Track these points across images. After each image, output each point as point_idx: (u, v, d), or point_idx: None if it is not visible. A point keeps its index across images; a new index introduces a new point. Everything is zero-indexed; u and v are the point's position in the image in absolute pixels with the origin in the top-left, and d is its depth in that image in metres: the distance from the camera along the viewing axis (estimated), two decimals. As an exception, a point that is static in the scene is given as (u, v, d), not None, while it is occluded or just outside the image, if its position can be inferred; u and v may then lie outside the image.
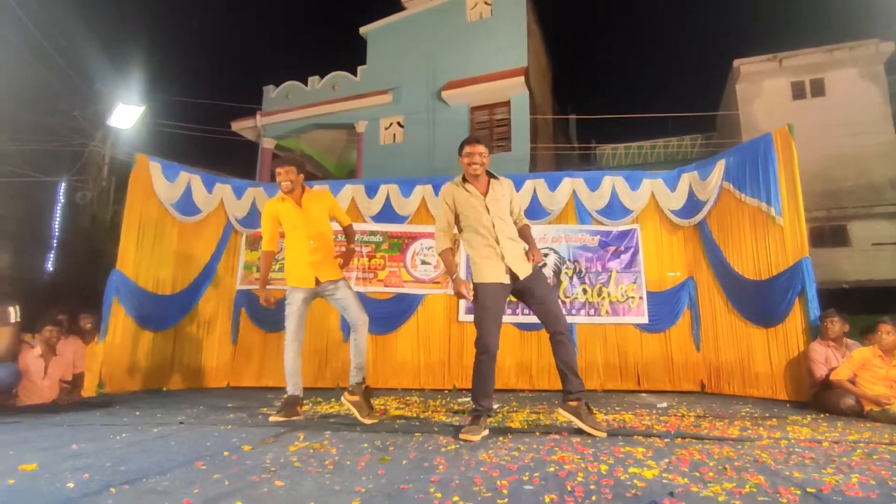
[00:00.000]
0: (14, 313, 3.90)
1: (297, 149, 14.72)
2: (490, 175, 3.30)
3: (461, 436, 2.83)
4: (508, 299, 3.28)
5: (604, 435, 2.85)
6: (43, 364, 4.46)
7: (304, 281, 3.71)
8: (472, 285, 3.18)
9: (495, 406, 4.32)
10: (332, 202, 4.01)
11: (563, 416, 3.03)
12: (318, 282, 3.72)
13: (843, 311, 4.53)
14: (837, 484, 1.92)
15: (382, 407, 4.26)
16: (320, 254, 3.74)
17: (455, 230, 3.32)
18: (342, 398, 3.63)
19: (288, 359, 3.72)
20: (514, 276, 3.14)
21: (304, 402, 3.89)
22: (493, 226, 3.16)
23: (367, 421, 3.42)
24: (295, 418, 3.58)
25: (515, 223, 3.33)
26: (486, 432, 2.95)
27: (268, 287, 3.87)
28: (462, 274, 6.14)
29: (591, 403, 4.14)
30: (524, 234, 3.33)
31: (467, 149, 3.21)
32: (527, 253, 3.23)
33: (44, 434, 2.98)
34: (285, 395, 3.74)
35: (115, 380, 5.30)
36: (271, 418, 3.55)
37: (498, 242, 3.14)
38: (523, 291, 3.18)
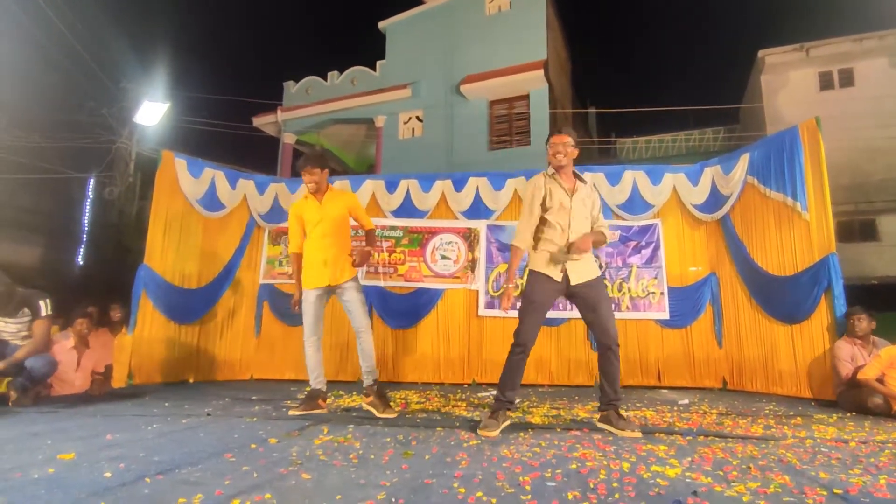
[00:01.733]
0: (45, 306, 4.03)
1: (316, 144, 14.84)
2: (577, 176, 3.24)
3: (480, 432, 2.87)
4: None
5: (638, 435, 2.84)
6: (76, 356, 4.60)
7: (317, 282, 3.75)
8: (515, 298, 3.16)
9: (516, 401, 4.33)
10: (354, 203, 4.01)
11: (600, 425, 3.06)
12: (331, 283, 3.75)
13: (870, 309, 4.44)
14: (865, 485, 1.90)
15: (403, 401, 4.31)
16: (333, 251, 3.76)
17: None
18: (361, 403, 3.70)
19: (308, 354, 3.78)
20: (567, 278, 3.10)
21: (328, 395, 3.95)
22: (570, 226, 3.12)
23: (386, 416, 3.48)
24: (317, 411, 3.64)
25: (592, 225, 3.26)
26: (506, 423, 2.97)
27: (289, 282, 3.93)
28: (483, 264, 6.16)
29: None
30: (594, 232, 3.22)
31: (552, 140, 3.19)
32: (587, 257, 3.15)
33: (79, 424, 3.09)
34: (308, 389, 3.80)
35: (143, 371, 5.44)
36: (291, 411, 3.62)
37: (568, 242, 3.09)
38: (576, 295, 3.14)
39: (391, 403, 3.73)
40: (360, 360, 3.75)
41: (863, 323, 4.33)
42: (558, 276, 3.09)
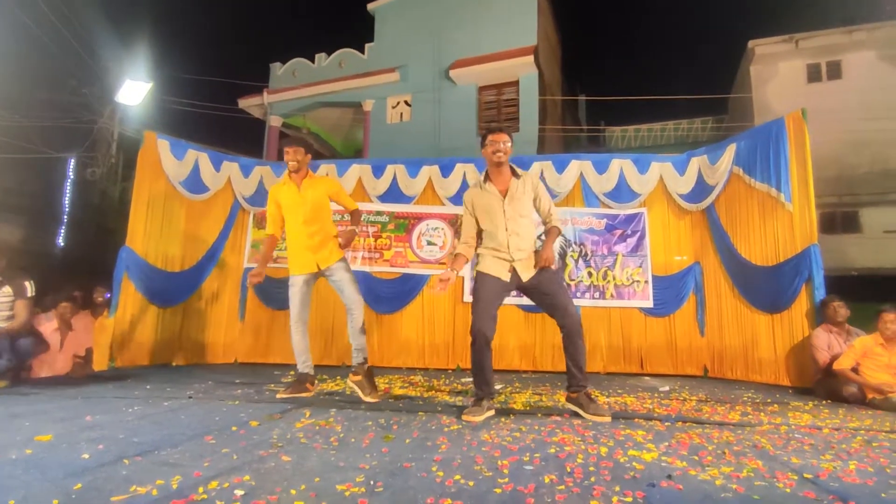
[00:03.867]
0: (30, 287, 4.01)
1: (303, 127, 14.66)
2: (513, 172, 3.25)
3: (464, 416, 2.89)
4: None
5: (608, 419, 2.88)
6: (59, 338, 4.56)
7: (304, 268, 3.77)
8: (448, 283, 3.14)
9: (498, 387, 4.37)
10: (335, 188, 3.99)
11: (568, 406, 3.11)
12: (318, 267, 3.76)
13: (851, 299, 4.52)
14: (835, 470, 1.95)
15: (387, 385, 4.33)
16: (318, 238, 3.77)
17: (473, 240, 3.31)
18: (346, 380, 3.69)
19: (294, 339, 3.79)
20: (517, 277, 3.14)
21: (315, 379, 3.94)
22: (507, 228, 3.15)
23: (371, 399, 3.48)
24: (304, 395, 3.65)
25: (544, 222, 3.32)
26: (490, 413, 2.99)
27: (274, 266, 3.91)
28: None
29: (594, 386, 4.19)
30: (550, 234, 3.25)
31: (490, 137, 3.18)
32: (536, 252, 3.17)
33: (60, 406, 3.06)
34: (292, 373, 3.80)
35: (125, 354, 5.40)
36: (279, 394, 3.63)
37: (508, 246, 3.14)
38: (529, 289, 3.19)
39: (377, 388, 3.73)
40: (349, 337, 3.75)
41: (841, 310, 4.42)
42: (506, 277, 3.14)
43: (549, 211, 3.30)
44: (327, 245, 3.79)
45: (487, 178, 3.26)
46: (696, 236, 6.05)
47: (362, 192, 6.50)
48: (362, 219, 6.39)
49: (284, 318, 6.23)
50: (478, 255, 3.27)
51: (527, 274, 3.14)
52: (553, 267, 3.15)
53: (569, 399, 3.12)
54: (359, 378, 3.59)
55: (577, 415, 3.02)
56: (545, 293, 3.15)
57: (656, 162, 6.21)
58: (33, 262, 9.53)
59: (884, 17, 13.37)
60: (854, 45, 13.64)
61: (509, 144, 3.19)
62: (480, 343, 3.06)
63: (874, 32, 13.50)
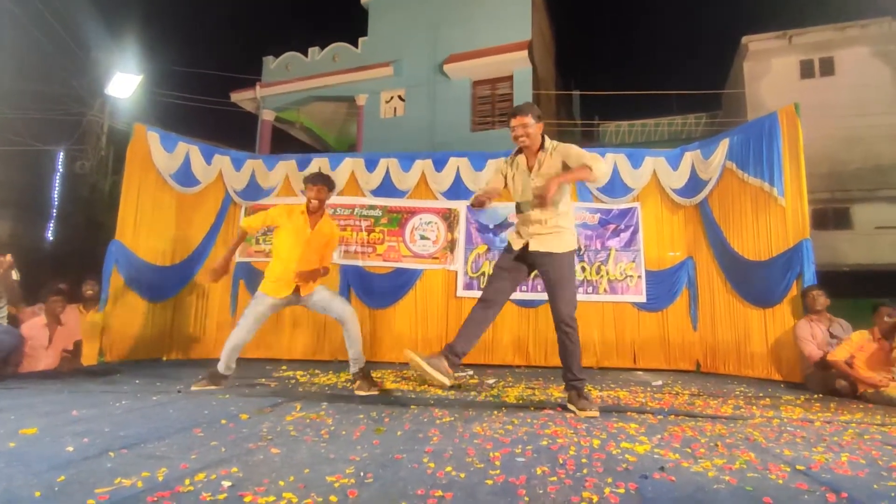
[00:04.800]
0: (14, 272, 4.00)
1: (296, 121, 14.57)
2: (542, 145, 3.15)
3: (405, 351, 3.21)
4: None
5: (595, 414, 2.85)
6: (48, 333, 4.50)
7: (281, 291, 3.67)
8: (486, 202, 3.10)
9: (491, 380, 4.37)
10: (335, 237, 3.97)
11: (569, 406, 3.06)
12: (297, 292, 3.68)
13: (839, 294, 4.57)
14: (827, 462, 1.95)
15: (379, 380, 4.31)
16: (309, 269, 3.73)
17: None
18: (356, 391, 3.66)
19: (227, 344, 3.67)
20: (526, 246, 3.16)
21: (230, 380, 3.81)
22: (531, 201, 3.14)
23: (370, 392, 3.57)
24: (214, 388, 3.59)
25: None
26: (432, 372, 3.12)
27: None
28: (462, 245, 6.16)
29: (587, 381, 4.19)
30: (573, 169, 3.04)
31: (511, 122, 3.15)
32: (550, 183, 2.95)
33: (46, 400, 3.02)
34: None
35: (115, 349, 5.34)
36: (194, 386, 3.58)
37: (530, 220, 3.16)
38: (537, 269, 3.20)
39: (375, 382, 3.77)
40: (347, 349, 3.75)
41: (820, 298, 4.48)
42: (518, 245, 3.19)
43: (579, 159, 3.04)
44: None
45: (519, 151, 3.23)
46: (690, 231, 6.05)
47: (355, 186, 6.46)
48: (354, 213, 6.37)
49: (276, 313, 6.20)
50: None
51: (537, 245, 3.11)
52: (546, 193, 2.93)
53: (565, 399, 3.11)
54: (357, 384, 3.68)
55: (568, 409, 3.01)
56: (549, 285, 3.12)
57: (650, 157, 6.20)
58: (22, 256, 9.43)
59: (876, 14, 13.44)
60: (847, 41, 13.72)
61: (529, 126, 3.08)
62: (479, 303, 3.21)
63: (867, 29, 13.58)
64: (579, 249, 3.26)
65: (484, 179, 6.28)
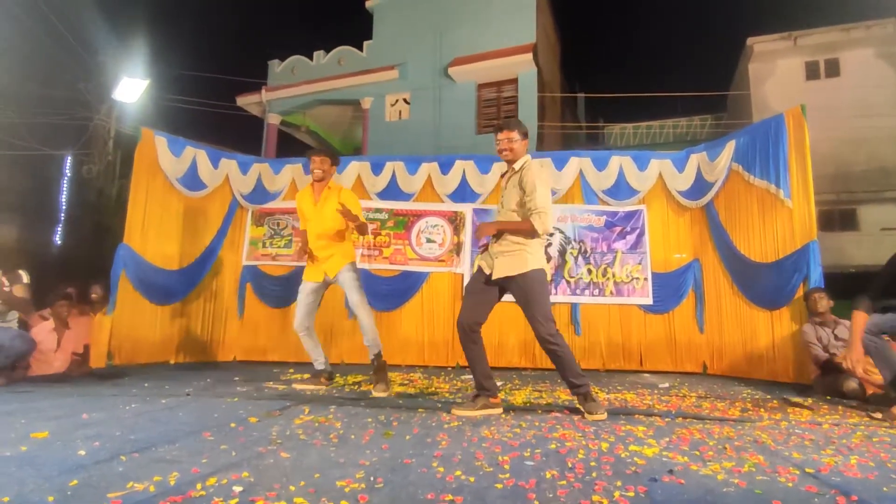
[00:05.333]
0: (25, 275, 4.09)
1: (302, 125, 14.62)
2: (517, 163, 3.14)
3: (454, 410, 2.93)
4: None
5: (603, 417, 2.85)
6: (56, 337, 4.53)
7: (313, 276, 3.92)
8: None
9: (498, 384, 4.36)
10: (348, 198, 3.91)
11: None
12: (326, 276, 3.91)
13: (845, 295, 4.52)
14: (836, 465, 1.94)
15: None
16: (327, 250, 3.91)
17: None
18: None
19: (303, 343, 4.03)
20: (490, 272, 3.09)
21: (333, 376, 4.18)
22: (497, 220, 3.20)
23: (379, 394, 3.62)
24: (318, 388, 3.86)
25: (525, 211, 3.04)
26: (485, 411, 2.94)
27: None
28: (468, 248, 6.17)
29: (594, 383, 4.19)
30: (502, 225, 3.07)
31: (496, 136, 3.17)
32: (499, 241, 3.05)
33: (56, 403, 3.04)
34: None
35: (123, 352, 5.37)
36: (296, 385, 3.92)
37: (495, 236, 3.13)
38: (509, 291, 3.11)
39: (387, 384, 3.80)
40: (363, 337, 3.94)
41: (823, 301, 4.44)
42: (487, 269, 3.11)
43: (531, 201, 2.96)
44: (336, 255, 3.91)
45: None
46: (696, 233, 6.04)
47: (361, 190, 6.47)
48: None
49: (282, 316, 6.25)
50: None
51: (497, 272, 3.01)
52: (479, 240, 3.07)
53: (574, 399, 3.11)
54: (377, 382, 3.76)
55: (577, 411, 3.01)
56: (521, 304, 3.03)
57: (655, 159, 6.20)
58: (30, 261, 9.50)
59: (881, 15, 13.38)
60: (852, 42, 13.66)
61: (514, 140, 3.11)
62: (461, 334, 3.08)
63: (872, 30, 13.52)
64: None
65: (489, 184, 6.30)
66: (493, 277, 3.03)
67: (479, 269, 3.18)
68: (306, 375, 4.36)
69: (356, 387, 4.12)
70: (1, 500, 1.45)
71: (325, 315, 6.16)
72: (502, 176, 3.29)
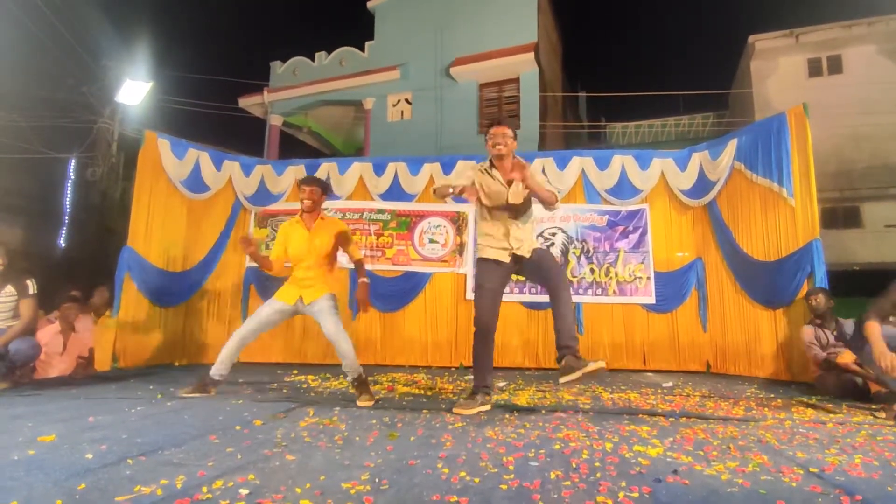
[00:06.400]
0: (32, 285, 3.97)
1: (304, 126, 14.64)
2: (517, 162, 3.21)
3: (455, 409, 2.94)
4: (515, 279, 3.30)
5: (602, 364, 2.87)
6: (62, 340, 4.56)
7: (286, 297, 3.64)
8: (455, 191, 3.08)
9: (501, 384, 4.37)
10: (344, 236, 3.78)
11: (564, 380, 2.89)
12: (301, 301, 3.62)
13: (849, 293, 4.52)
14: (840, 464, 1.94)
15: (390, 384, 4.33)
16: (311, 278, 3.64)
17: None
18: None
19: (227, 344, 3.69)
20: (516, 258, 3.15)
21: (219, 385, 3.77)
22: (507, 216, 3.18)
23: (363, 404, 3.40)
24: (203, 395, 3.57)
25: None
26: (485, 407, 3.02)
27: None
28: (471, 248, 6.18)
29: (597, 382, 4.19)
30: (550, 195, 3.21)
31: (491, 131, 3.20)
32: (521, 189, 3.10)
33: (62, 406, 3.06)
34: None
35: (128, 354, 5.39)
36: (181, 392, 3.57)
37: (509, 235, 3.15)
38: (528, 269, 3.20)
39: (370, 393, 3.56)
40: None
41: (820, 301, 4.42)
42: (507, 258, 3.15)
43: (548, 187, 3.26)
44: (318, 284, 3.65)
45: (493, 165, 3.25)
46: (698, 232, 6.04)
47: (364, 191, 6.49)
48: (363, 217, 6.39)
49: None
50: (477, 246, 3.31)
51: (526, 250, 3.16)
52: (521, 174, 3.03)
53: (560, 372, 2.93)
54: (360, 395, 3.47)
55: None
56: (544, 266, 3.13)
57: (657, 158, 6.20)
58: (35, 264, 9.55)
59: (883, 12, 13.33)
60: (854, 39, 13.62)
61: (510, 138, 3.19)
62: (480, 334, 3.09)
63: (874, 27, 13.47)
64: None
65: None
66: (527, 257, 3.13)
67: (496, 264, 3.14)
68: (290, 377, 4.10)
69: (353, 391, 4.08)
70: (10, 503, 1.47)
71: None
72: (484, 173, 3.23)
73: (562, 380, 2.91)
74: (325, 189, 3.80)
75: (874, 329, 3.10)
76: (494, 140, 3.18)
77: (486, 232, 3.23)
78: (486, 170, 3.26)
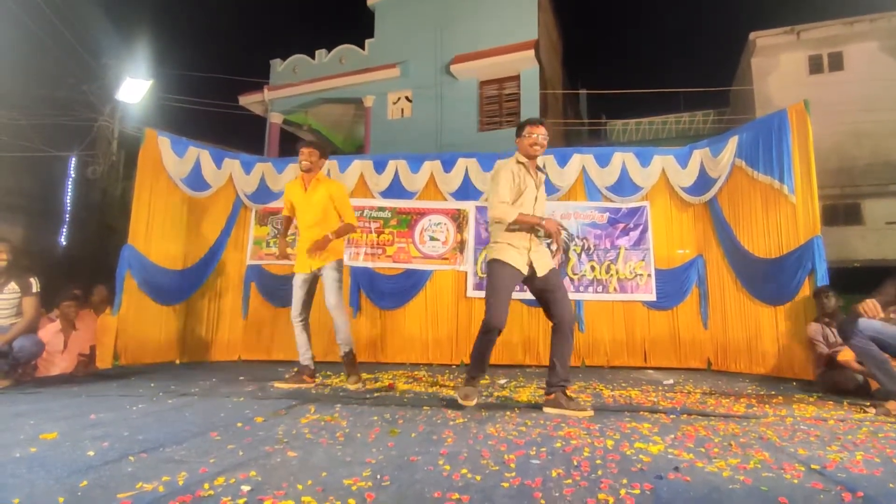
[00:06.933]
0: (35, 283, 4.00)
1: (304, 124, 14.63)
2: (537, 166, 3.23)
3: (462, 401, 3.00)
4: None
5: (590, 413, 2.85)
6: (63, 338, 4.56)
7: (302, 268, 3.99)
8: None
9: (502, 381, 4.39)
10: (337, 192, 4.06)
11: (549, 412, 2.94)
12: (312, 269, 3.96)
13: (849, 290, 4.52)
14: (842, 461, 1.94)
15: (391, 380, 4.33)
16: (316, 237, 3.92)
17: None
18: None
19: (296, 334, 4.04)
20: (532, 271, 3.10)
21: (317, 374, 4.13)
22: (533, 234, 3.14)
23: (351, 387, 3.74)
24: (303, 386, 3.84)
25: None
26: (477, 394, 3.14)
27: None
28: (471, 245, 6.17)
29: (598, 379, 4.19)
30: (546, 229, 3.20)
31: (529, 128, 3.12)
32: (550, 247, 3.16)
33: (64, 404, 3.06)
34: (295, 369, 4.02)
35: (129, 352, 5.39)
36: (277, 384, 3.84)
37: (530, 248, 3.10)
38: (537, 280, 3.13)
39: (359, 377, 3.95)
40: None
41: (831, 300, 4.43)
42: (525, 269, 3.09)
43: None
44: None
45: (519, 163, 3.18)
46: (699, 229, 6.03)
47: (364, 188, 6.49)
48: (364, 215, 6.38)
49: (287, 314, 6.18)
50: (494, 244, 3.16)
51: (542, 269, 3.10)
52: (538, 249, 3.16)
53: (548, 404, 2.98)
54: (349, 375, 3.90)
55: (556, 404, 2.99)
56: (552, 288, 3.10)
57: (658, 155, 6.19)
58: (35, 262, 9.55)
59: (884, 8, 13.29)
60: (855, 36, 13.59)
61: (547, 139, 3.15)
62: (492, 335, 3.08)
63: (875, 23, 13.44)
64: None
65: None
66: (540, 275, 3.09)
67: (512, 268, 3.06)
68: (289, 374, 4.23)
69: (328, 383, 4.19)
70: (12, 501, 1.47)
71: (328, 312, 6.17)
72: (524, 171, 3.16)
73: (545, 409, 2.98)
74: (322, 152, 4.07)
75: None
76: (533, 140, 3.09)
77: (509, 242, 3.09)
78: (523, 164, 3.16)
